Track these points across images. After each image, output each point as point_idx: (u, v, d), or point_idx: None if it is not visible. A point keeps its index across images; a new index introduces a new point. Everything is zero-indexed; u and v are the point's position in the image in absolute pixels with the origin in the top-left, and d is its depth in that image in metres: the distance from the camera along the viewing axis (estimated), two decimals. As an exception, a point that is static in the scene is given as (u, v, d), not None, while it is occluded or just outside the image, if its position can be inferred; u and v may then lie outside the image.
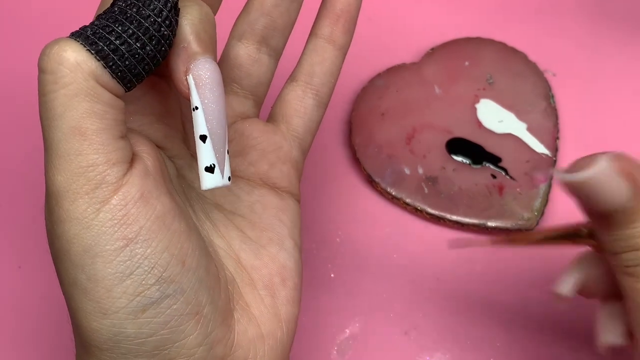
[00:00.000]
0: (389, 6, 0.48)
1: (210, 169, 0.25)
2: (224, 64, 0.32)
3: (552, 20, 0.48)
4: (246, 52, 0.32)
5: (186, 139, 0.30)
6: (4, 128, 0.44)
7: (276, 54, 0.32)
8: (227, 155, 0.25)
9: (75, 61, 0.23)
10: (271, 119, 0.33)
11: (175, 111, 0.29)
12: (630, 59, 0.46)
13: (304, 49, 0.33)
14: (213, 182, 0.25)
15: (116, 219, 0.24)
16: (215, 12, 0.29)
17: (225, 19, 0.32)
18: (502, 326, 0.37)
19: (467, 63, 0.45)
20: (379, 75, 0.44)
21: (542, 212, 0.40)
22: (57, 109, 0.23)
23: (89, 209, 0.23)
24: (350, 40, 0.33)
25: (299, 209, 0.32)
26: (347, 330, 0.38)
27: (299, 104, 0.33)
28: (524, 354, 0.37)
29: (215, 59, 0.25)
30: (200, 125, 0.25)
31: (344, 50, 0.33)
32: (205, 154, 0.25)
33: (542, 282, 0.39)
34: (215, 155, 0.25)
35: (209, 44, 0.25)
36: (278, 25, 0.32)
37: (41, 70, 0.23)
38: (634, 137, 0.43)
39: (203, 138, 0.25)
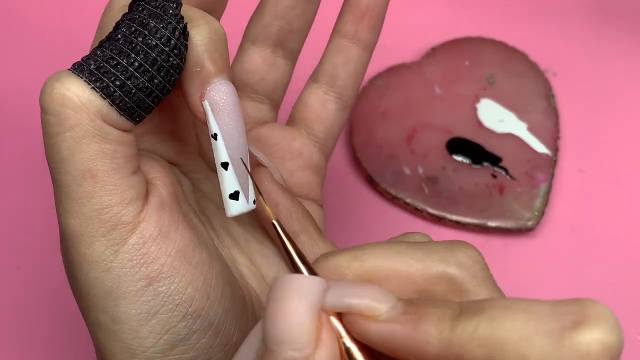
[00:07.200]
0: (389, 5, 0.48)
1: (234, 196, 0.24)
2: (238, 68, 0.30)
3: (552, 20, 0.48)
4: (261, 56, 0.30)
5: (201, 151, 0.29)
6: (3, 128, 0.44)
7: (293, 56, 0.31)
8: (250, 178, 0.24)
9: (80, 101, 0.21)
10: (291, 121, 0.32)
11: (188, 125, 0.28)
12: (631, 59, 0.46)
13: (326, 48, 0.31)
14: (239, 208, 0.24)
15: (136, 259, 0.23)
16: (219, 17, 0.28)
17: (236, 16, 0.31)
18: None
19: (467, 63, 0.45)
20: (379, 75, 0.44)
21: (542, 212, 0.40)
22: (64, 152, 0.22)
23: (106, 252, 0.23)
24: (377, 38, 0.31)
25: (322, 215, 0.31)
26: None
27: (320, 109, 0.31)
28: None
29: (229, 78, 0.24)
30: (221, 153, 0.24)
31: (369, 49, 0.31)
32: (228, 181, 0.24)
33: (542, 284, 0.39)
34: (239, 180, 0.24)
35: (222, 63, 0.23)
36: (294, 27, 0.30)
37: (43, 111, 0.22)
38: (634, 136, 0.43)
39: (225, 165, 0.24)
